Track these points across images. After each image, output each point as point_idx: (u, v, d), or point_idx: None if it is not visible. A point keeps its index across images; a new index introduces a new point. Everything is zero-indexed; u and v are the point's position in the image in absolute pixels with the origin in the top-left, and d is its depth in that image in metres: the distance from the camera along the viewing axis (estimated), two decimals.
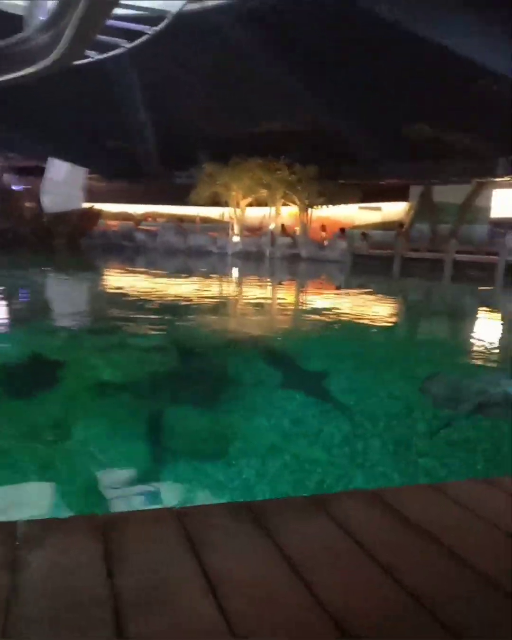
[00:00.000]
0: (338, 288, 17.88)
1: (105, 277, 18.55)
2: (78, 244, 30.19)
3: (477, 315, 13.16)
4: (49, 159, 29.98)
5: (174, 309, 10.95)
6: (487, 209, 24.44)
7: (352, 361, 7.01)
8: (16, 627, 1.20)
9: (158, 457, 3.80)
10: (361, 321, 10.54)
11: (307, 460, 3.84)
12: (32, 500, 3.23)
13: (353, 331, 9.30)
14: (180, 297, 13.06)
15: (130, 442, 4.03)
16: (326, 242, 27.19)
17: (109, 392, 5.21)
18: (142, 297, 12.63)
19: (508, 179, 23.11)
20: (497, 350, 8.67)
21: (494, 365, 7.39)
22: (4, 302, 11.86)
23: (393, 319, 12.01)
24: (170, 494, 3.35)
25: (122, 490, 3.37)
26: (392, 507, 1.84)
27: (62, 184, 30.45)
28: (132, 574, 1.44)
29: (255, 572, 1.48)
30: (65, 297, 13.60)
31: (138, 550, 1.54)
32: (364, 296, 15.40)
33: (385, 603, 1.40)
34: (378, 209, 30.02)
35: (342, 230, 27.80)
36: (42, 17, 15.02)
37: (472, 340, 9.60)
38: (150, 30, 15.28)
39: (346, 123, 25.81)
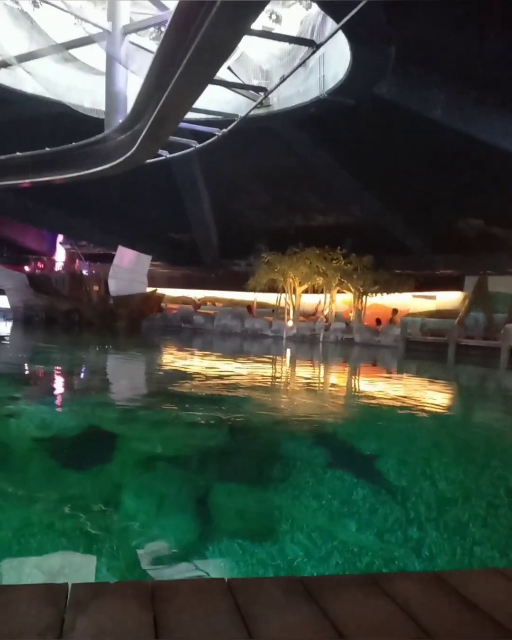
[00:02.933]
0: (391, 373, 17.59)
1: (162, 356, 19.00)
2: (139, 325, 31.39)
3: None
4: (119, 247, 32.03)
5: (226, 387, 11.01)
6: None
7: (405, 444, 6.79)
8: None
9: (204, 533, 3.71)
10: (415, 405, 10.23)
11: (356, 544, 3.64)
12: (79, 568, 3.19)
13: (406, 415, 9.01)
14: (233, 376, 13.15)
15: (177, 516, 3.98)
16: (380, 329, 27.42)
17: (159, 466, 5.22)
18: (196, 376, 12.81)
19: None
20: None
21: None
22: (65, 378, 12.30)
23: (448, 404, 11.61)
24: (215, 571, 3.23)
25: (168, 565, 3.28)
26: (456, 590, 1.72)
27: (128, 270, 32.29)
28: None
29: None
30: (123, 374, 13.96)
31: (187, 620, 1.49)
32: (418, 381, 15.10)
33: None
34: (433, 297, 30.35)
35: (395, 311, 28.76)
36: (120, 120, 16.70)
37: None
38: (218, 132, 16.58)
39: (399, 216, 26.69)
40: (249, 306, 35.68)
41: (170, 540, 3.59)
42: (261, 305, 35.10)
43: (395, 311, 29.29)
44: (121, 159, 16.51)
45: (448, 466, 5.83)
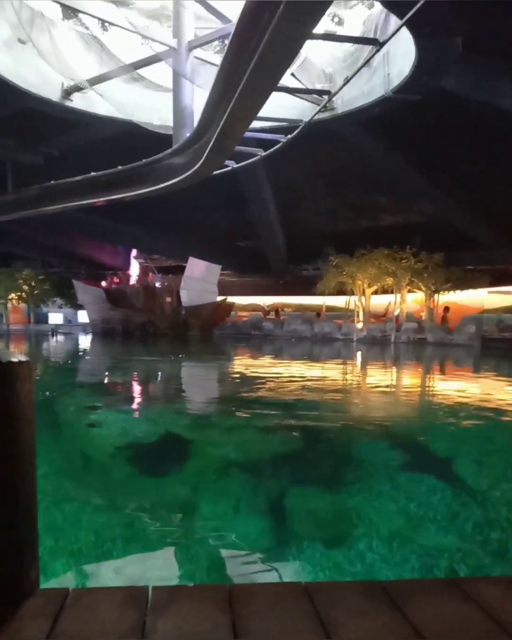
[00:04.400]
0: (467, 372, 16.86)
1: (233, 363, 19.20)
2: (211, 334, 31.94)
3: None
4: (190, 258, 32.79)
5: (297, 391, 10.95)
6: None
7: (485, 445, 6.50)
8: None
9: (280, 537, 3.68)
10: (493, 405, 9.75)
11: (436, 548, 3.50)
12: (159, 571, 3.25)
13: (485, 415, 8.60)
14: (304, 380, 13.07)
15: (253, 521, 3.97)
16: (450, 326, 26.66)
17: (233, 471, 5.24)
18: (266, 381, 12.83)
19: None
20: None
21: None
22: (143, 387, 12.68)
23: None
24: (292, 576, 3.18)
25: (245, 569, 3.28)
26: None
27: (199, 280, 33.00)
28: None
29: None
30: (196, 382, 14.22)
31: (265, 624, 1.49)
32: (496, 380, 14.40)
33: None
34: (509, 292, 29.09)
35: (446, 309, 28.48)
36: (187, 134, 17.14)
37: None
38: (283, 138, 16.65)
39: (470, 211, 25.75)
40: (276, 310, 35.83)
41: (247, 544, 3.59)
42: (330, 308, 34.87)
43: (447, 309, 28.26)
44: (189, 172, 16.93)
45: None
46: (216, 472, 5.22)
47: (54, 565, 3.19)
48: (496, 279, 27.86)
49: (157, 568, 3.28)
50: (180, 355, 20.96)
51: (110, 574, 3.18)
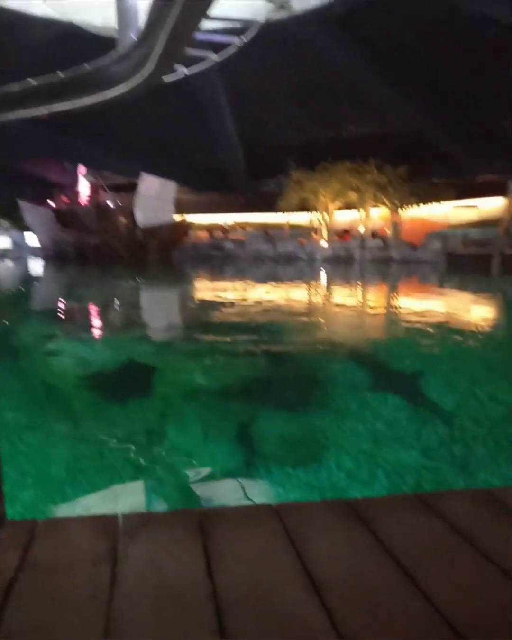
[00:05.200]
0: (432, 289, 17.18)
1: (194, 287, 18.98)
2: (170, 256, 31.23)
3: None
4: (142, 174, 31.19)
5: (261, 315, 10.96)
6: None
7: (449, 363, 6.68)
8: (118, 623, 1.20)
9: (249, 461, 3.75)
10: (458, 322, 10.03)
11: (403, 465, 3.65)
12: (129, 498, 3.29)
13: (449, 332, 8.83)
14: (267, 303, 13.08)
15: (221, 445, 4.02)
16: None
17: (201, 397, 5.23)
18: (229, 305, 12.77)
19: None
20: None
21: None
22: (100, 313, 12.44)
23: (494, 319, 11.26)
24: (263, 498, 3.26)
25: (215, 493, 3.35)
26: (509, 507, 1.69)
27: (154, 198, 31.63)
28: (232, 572, 1.41)
29: (360, 571, 1.41)
30: (157, 306, 14.04)
31: (237, 546, 1.51)
32: (460, 296, 14.73)
33: (507, 607, 1.27)
34: (474, 206, 29.06)
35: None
36: (132, 36, 15.71)
37: None
38: (238, 41, 15.46)
39: (438, 120, 25.08)
40: (210, 231, 34.92)
41: (216, 469, 3.64)
42: (293, 226, 34.32)
43: (396, 225, 28.12)
44: (138, 78, 15.71)
45: (497, 383, 5.71)
46: (182, 398, 5.20)
47: (21, 497, 3.18)
48: (461, 193, 27.66)
49: (128, 496, 3.31)
50: (138, 280, 20.53)
51: (79, 504, 3.19)
